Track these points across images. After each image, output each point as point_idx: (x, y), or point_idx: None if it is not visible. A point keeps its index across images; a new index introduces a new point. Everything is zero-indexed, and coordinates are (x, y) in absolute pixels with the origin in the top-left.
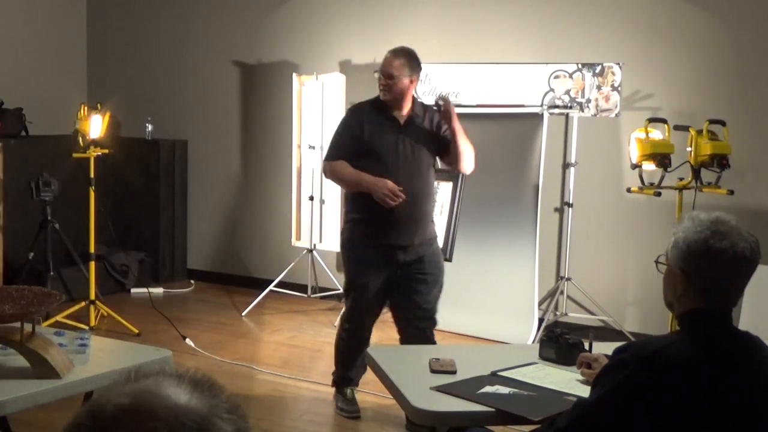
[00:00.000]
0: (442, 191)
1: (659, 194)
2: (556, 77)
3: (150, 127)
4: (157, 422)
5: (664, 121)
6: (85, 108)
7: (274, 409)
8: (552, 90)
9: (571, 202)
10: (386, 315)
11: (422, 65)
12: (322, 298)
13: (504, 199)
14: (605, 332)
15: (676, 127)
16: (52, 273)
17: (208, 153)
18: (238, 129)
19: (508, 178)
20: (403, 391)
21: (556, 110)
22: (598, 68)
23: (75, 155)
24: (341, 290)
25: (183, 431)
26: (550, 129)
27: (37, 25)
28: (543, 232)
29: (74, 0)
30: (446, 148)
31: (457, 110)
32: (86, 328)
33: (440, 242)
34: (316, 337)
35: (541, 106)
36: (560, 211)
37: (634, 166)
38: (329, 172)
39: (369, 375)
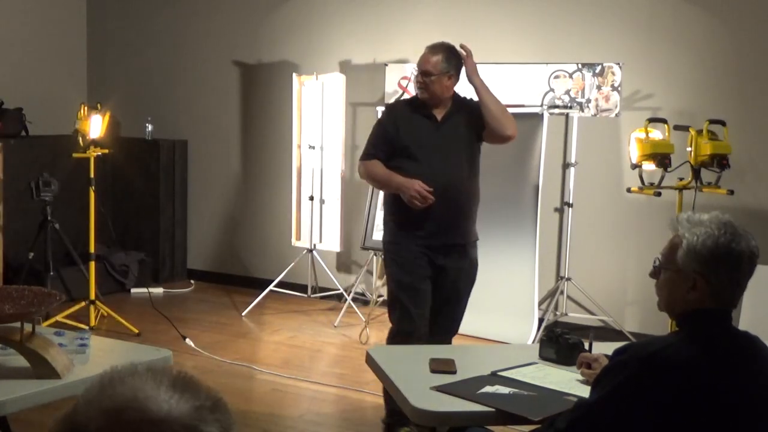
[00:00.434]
0: None
1: (659, 194)
2: (556, 77)
3: (150, 127)
4: None
5: (664, 121)
6: (85, 108)
7: (274, 409)
8: (552, 90)
9: (571, 202)
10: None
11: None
12: (322, 298)
13: (504, 199)
14: (605, 332)
15: (676, 127)
16: (52, 273)
17: (208, 153)
18: (238, 129)
19: (508, 178)
20: (403, 391)
21: (556, 110)
22: (598, 68)
23: (75, 155)
24: (341, 290)
25: None
26: (550, 129)
27: (37, 25)
28: (543, 232)
29: (74, 0)
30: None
31: None
32: (86, 328)
33: None
34: (316, 337)
35: (541, 106)
36: (560, 211)
37: (634, 166)
38: (363, 172)
39: (369, 375)
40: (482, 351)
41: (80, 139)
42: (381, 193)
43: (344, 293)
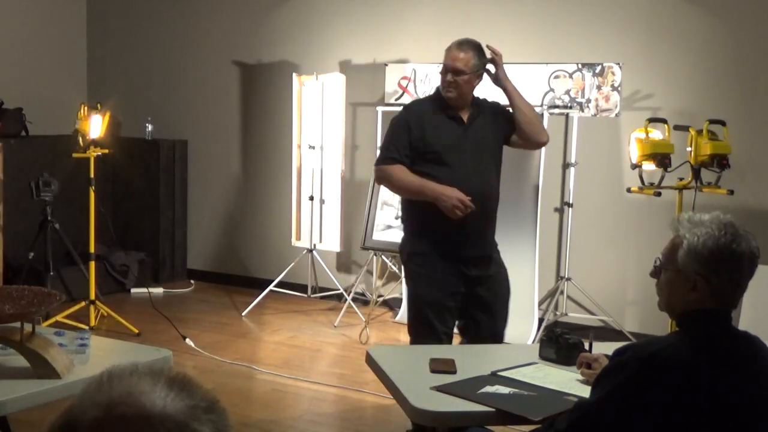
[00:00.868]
0: None
1: (659, 194)
2: (556, 77)
3: (150, 127)
4: None
5: (664, 121)
6: (85, 108)
7: (274, 409)
8: (552, 90)
9: (571, 202)
10: (385, 314)
11: (420, 65)
12: (322, 298)
13: (504, 199)
14: (605, 332)
15: (676, 127)
16: (52, 273)
17: (208, 153)
18: (238, 129)
19: (508, 178)
20: (403, 391)
21: (556, 110)
22: (598, 68)
23: (75, 155)
24: (341, 290)
25: None
26: (550, 129)
27: (37, 25)
28: (543, 232)
29: (74, 0)
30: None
31: None
32: (86, 328)
33: None
34: (316, 337)
35: (541, 106)
36: (560, 211)
37: (634, 166)
38: (385, 178)
39: (369, 375)
40: (482, 351)
41: (80, 139)
42: (381, 194)
43: (344, 293)
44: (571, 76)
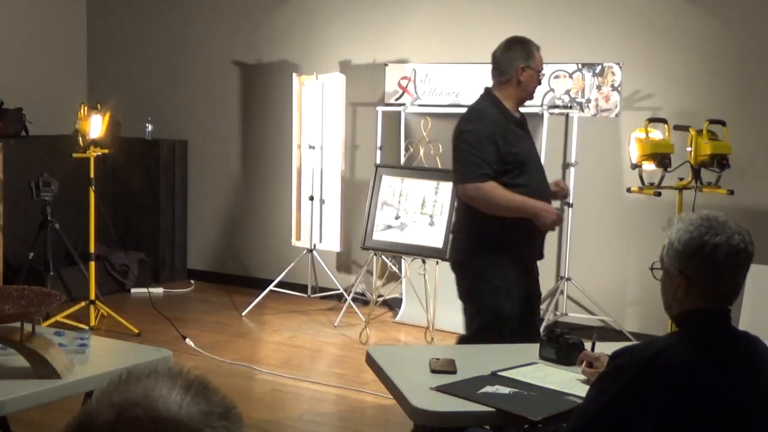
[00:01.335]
0: (442, 191)
1: (659, 194)
2: (556, 77)
3: (150, 127)
4: None
5: (664, 121)
6: (85, 108)
7: (274, 409)
8: (552, 90)
9: (571, 202)
10: (385, 314)
11: (420, 65)
12: (322, 298)
13: None
14: (605, 332)
15: (676, 127)
16: (52, 273)
17: (208, 153)
18: (238, 129)
19: None
20: (403, 391)
21: (556, 110)
22: (598, 68)
23: (75, 155)
24: (341, 290)
25: None
26: (550, 129)
27: (37, 25)
28: None
29: (74, 0)
30: None
31: (458, 110)
32: (86, 328)
33: (440, 242)
34: (316, 337)
35: (541, 106)
36: (560, 211)
37: (634, 166)
38: (482, 197)
39: (369, 375)
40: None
41: (80, 139)
42: (381, 194)
43: (344, 293)
44: (571, 76)
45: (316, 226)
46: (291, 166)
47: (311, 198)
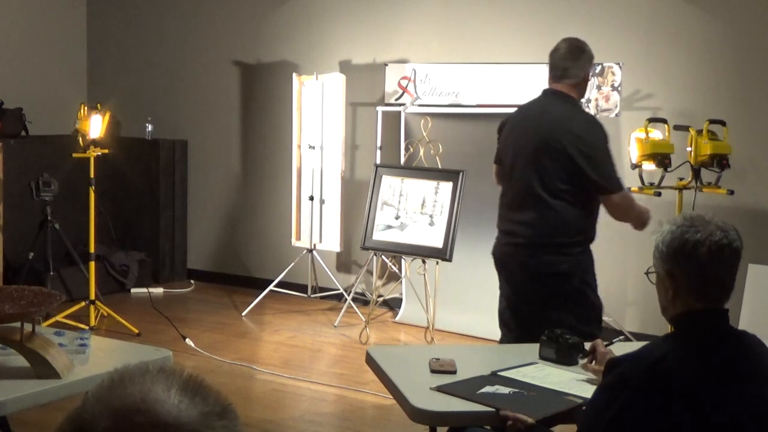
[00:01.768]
0: (442, 191)
1: (659, 194)
2: None
3: (150, 127)
4: None
5: (664, 121)
6: (85, 108)
7: (274, 409)
8: None
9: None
10: (385, 314)
11: (420, 65)
12: (322, 298)
13: None
14: (605, 332)
15: (676, 127)
16: (52, 273)
17: (208, 153)
18: (238, 129)
19: None
20: (403, 391)
21: None
22: (598, 68)
23: (75, 155)
24: (341, 290)
25: None
26: None
27: (37, 25)
28: None
29: (74, 0)
30: None
31: (458, 110)
32: (86, 328)
33: (440, 242)
34: (316, 337)
35: None
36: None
37: (634, 166)
38: (627, 205)
39: (369, 375)
40: (482, 351)
41: (80, 139)
42: (381, 194)
43: (344, 293)
44: None
45: (316, 226)
46: (291, 166)
47: (311, 198)
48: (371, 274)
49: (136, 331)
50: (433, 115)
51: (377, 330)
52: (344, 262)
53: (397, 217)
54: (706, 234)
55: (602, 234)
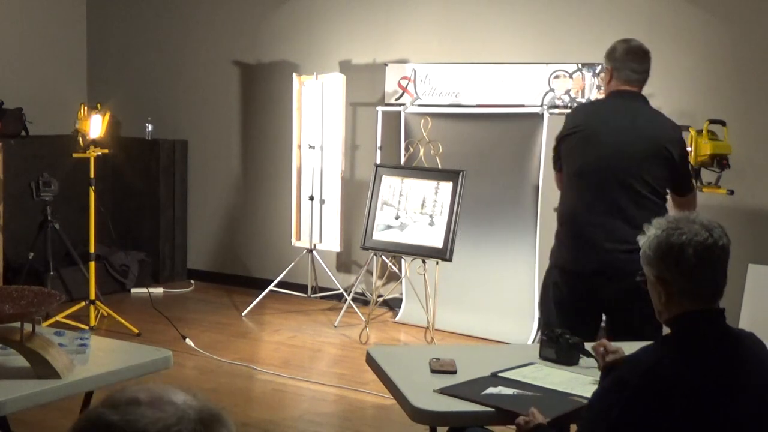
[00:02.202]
0: (442, 191)
1: None
2: (556, 77)
3: (150, 127)
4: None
5: None
6: (85, 108)
7: (274, 409)
8: (552, 90)
9: None
10: (385, 314)
11: (420, 65)
12: (322, 298)
13: (504, 199)
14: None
15: None
16: (52, 273)
17: (208, 153)
18: (238, 129)
19: (508, 178)
20: (403, 391)
21: (556, 110)
22: (598, 68)
23: (75, 155)
24: (341, 290)
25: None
26: (550, 129)
27: (37, 25)
28: (543, 232)
29: (74, 0)
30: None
31: (458, 110)
32: (86, 328)
33: (440, 242)
34: (316, 337)
35: (541, 106)
36: None
37: None
38: (695, 203)
39: (369, 375)
40: (482, 351)
41: (80, 139)
42: (381, 194)
43: (344, 293)
44: (571, 76)
45: (316, 226)
46: (291, 166)
47: (311, 198)
48: (371, 274)
49: (136, 331)
50: (433, 115)
51: (377, 330)
52: (344, 262)
53: (397, 217)
54: (691, 235)
55: None
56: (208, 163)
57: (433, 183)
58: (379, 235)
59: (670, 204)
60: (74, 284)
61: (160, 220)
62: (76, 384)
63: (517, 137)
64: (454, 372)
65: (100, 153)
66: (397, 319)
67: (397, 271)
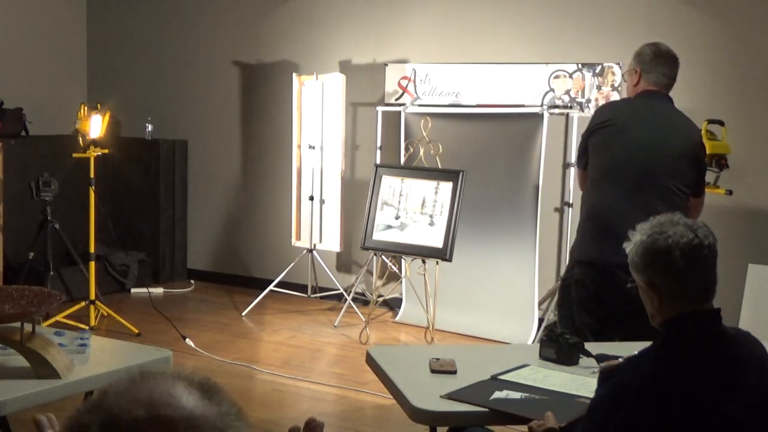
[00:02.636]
0: (442, 191)
1: None
2: (556, 77)
3: (150, 127)
4: None
5: None
6: (85, 108)
7: (274, 409)
8: (552, 90)
9: (571, 202)
10: (385, 314)
11: (420, 65)
12: (322, 298)
13: (504, 199)
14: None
15: None
16: (52, 273)
17: (208, 153)
18: (238, 129)
19: (508, 178)
20: (403, 391)
21: (556, 110)
22: (598, 68)
23: (75, 155)
24: (341, 290)
25: None
26: (550, 129)
27: (37, 25)
28: (543, 232)
29: (74, 0)
30: None
31: (458, 110)
32: (86, 328)
33: (440, 242)
34: (316, 337)
35: (541, 106)
36: (560, 211)
37: None
38: (703, 205)
39: (369, 375)
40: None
41: (80, 139)
42: (381, 194)
43: (344, 293)
44: (571, 76)
45: (316, 226)
46: (291, 166)
47: (311, 198)
48: (371, 274)
49: (136, 331)
50: (433, 115)
51: (377, 330)
52: (344, 262)
53: (397, 217)
54: (676, 237)
55: None
56: (208, 163)
57: (433, 183)
58: (379, 235)
59: None
60: (74, 284)
61: (159, 220)
62: (76, 384)
63: (517, 137)
64: (454, 372)
65: (100, 153)
66: (397, 319)
67: (397, 271)
